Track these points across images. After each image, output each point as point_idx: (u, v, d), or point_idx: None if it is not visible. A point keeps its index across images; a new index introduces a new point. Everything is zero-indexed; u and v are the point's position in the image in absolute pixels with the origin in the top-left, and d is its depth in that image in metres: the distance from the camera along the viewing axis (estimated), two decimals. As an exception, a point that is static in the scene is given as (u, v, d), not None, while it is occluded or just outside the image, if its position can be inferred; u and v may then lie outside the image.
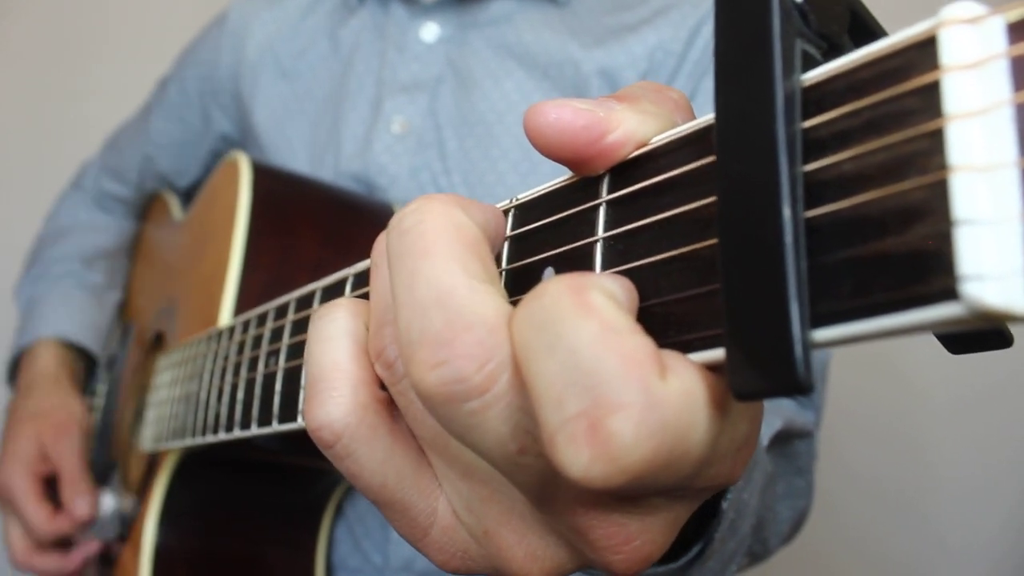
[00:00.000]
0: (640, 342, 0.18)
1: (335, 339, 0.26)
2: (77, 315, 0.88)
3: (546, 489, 0.21)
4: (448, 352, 0.19)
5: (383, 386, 0.26)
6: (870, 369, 1.19)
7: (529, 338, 0.18)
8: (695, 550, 0.33)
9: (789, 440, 0.54)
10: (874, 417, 1.22)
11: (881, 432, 1.23)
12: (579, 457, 0.17)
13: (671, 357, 0.19)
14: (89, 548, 0.74)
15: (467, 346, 0.19)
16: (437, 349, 0.20)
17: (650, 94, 0.23)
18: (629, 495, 0.21)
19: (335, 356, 0.25)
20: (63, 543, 0.76)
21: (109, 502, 0.72)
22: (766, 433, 0.46)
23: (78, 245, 0.94)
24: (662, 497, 0.22)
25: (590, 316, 0.18)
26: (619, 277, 0.21)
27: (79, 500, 0.73)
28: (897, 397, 1.22)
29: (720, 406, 0.19)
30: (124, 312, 0.95)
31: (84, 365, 0.89)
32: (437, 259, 0.20)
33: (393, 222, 0.22)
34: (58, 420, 0.79)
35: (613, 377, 0.17)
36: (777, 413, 0.50)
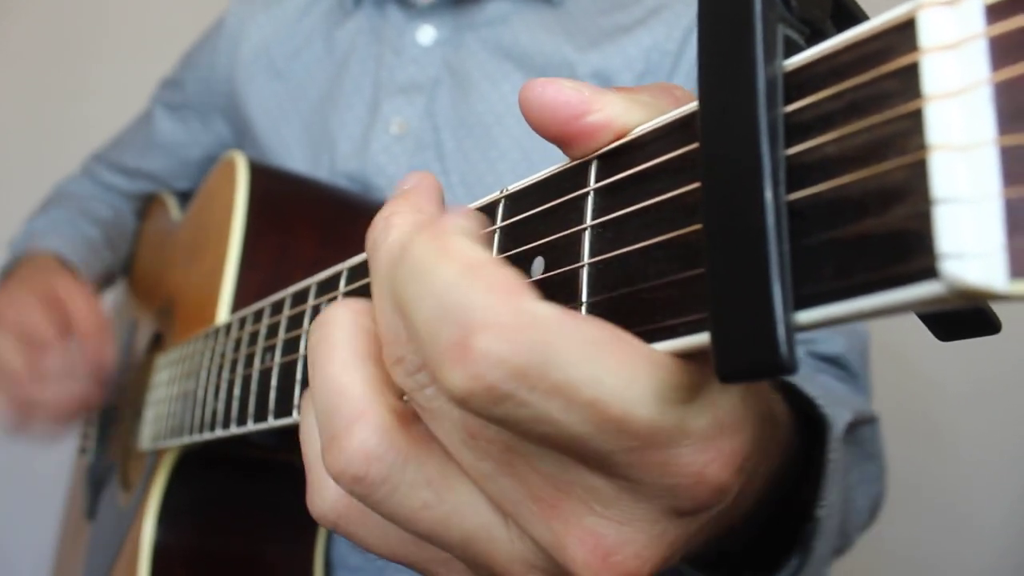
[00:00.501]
0: (503, 272, 0.19)
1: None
2: (74, 250, 0.86)
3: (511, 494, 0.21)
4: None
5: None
6: (883, 359, 1.19)
7: (402, 293, 0.20)
8: (794, 562, 0.31)
9: (856, 428, 0.53)
10: (888, 406, 1.22)
11: (895, 421, 1.23)
12: (455, 377, 0.18)
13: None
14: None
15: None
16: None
17: (651, 89, 0.24)
18: (537, 436, 0.19)
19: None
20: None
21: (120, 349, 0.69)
22: (839, 426, 0.44)
23: (82, 206, 0.94)
24: (628, 495, 0.20)
25: (451, 259, 0.19)
26: (474, 212, 0.24)
27: (103, 342, 0.71)
28: (911, 386, 1.22)
29: (692, 387, 0.19)
30: (125, 311, 0.96)
31: None
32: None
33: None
34: (68, 274, 0.77)
35: (479, 304, 0.18)
36: (844, 404, 0.48)
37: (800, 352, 0.63)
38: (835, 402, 0.41)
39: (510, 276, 0.19)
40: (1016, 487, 1.14)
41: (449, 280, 0.19)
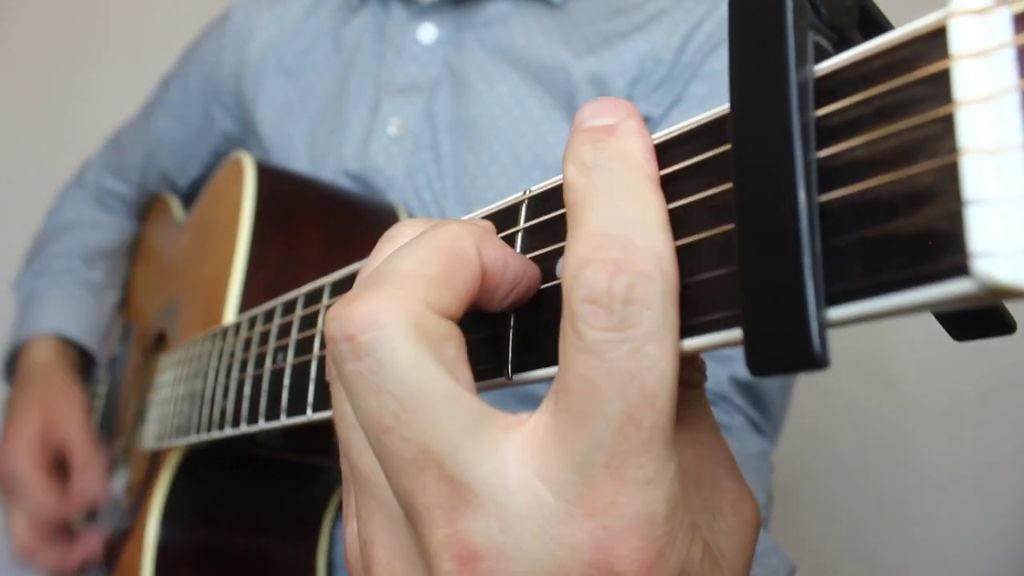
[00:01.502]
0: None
1: None
2: (76, 313, 0.88)
3: (408, 495, 0.21)
4: (341, 310, 0.22)
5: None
6: (864, 371, 1.20)
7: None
8: None
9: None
10: (868, 418, 1.23)
11: (875, 433, 1.24)
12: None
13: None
14: (92, 542, 0.72)
15: (356, 310, 0.21)
16: (339, 305, 0.22)
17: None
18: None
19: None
20: (66, 534, 0.74)
21: (119, 484, 0.71)
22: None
23: (79, 242, 0.94)
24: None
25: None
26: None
27: (92, 475, 0.71)
28: (891, 398, 1.23)
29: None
30: (125, 312, 0.95)
31: (82, 363, 0.89)
32: (409, 244, 0.23)
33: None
34: (60, 403, 0.78)
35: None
36: (780, 563, 0.47)
37: (722, 377, 0.63)
38: (770, 553, 0.40)
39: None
40: (1003, 502, 1.15)
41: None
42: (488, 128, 0.69)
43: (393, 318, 0.20)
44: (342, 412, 0.24)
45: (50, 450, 0.75)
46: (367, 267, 0.27)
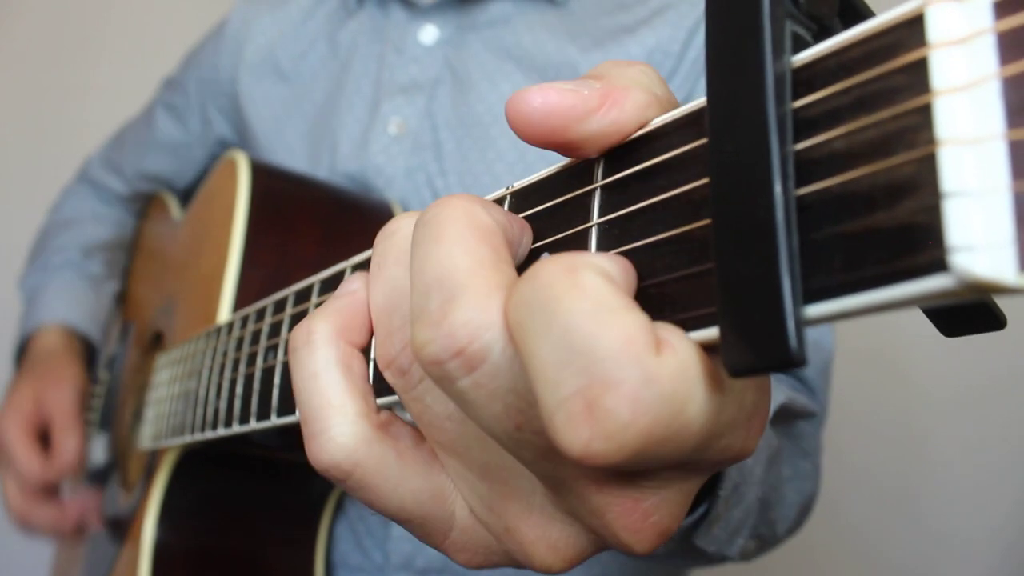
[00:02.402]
0: (634, 319, 0.18)
1: (321, 373, 0.25)
2: (76, 304, 0.91)
3: (556, 470, 0.22)
4: (435, 331, 0.20)
5: (379, 408, 0.26)
6: (870, 367, 1.19)
7: (524, 320, 0.19)
8: (700, 510, 0.33)
9: (792, 419, 0.54)
10: (874, 414, 1.23)
11: (881, 429, 1.23)
12: (578, 436, 0.18)
13: (667, 331, 0.19)
14: (83, 503, 0.76)
15: (453, 325, 0.20)
16: (428, 327, 0.20)
17: (615, 69, 0.23)
18: (634, 471, 0.21)
19: (326, 393, 0.25)
20: (55, 496, 0.78)
21: (100, 449, 0.74)
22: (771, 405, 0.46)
23: (79, 236, 0.96)
24: (674, 470, 0.21)
25: (583, 296, 0.18)
26: (615, 256, 0.21)
27: (67, 441, 0.75)
28: (897, 394, 1.22)
29: (718, 380, 0.19)
30: (123, 311, 0.96)
31: (85, 352, 0.91)
32: (444, 243, 0.21)
33: (420, 215, 0.23)
34: (53, 378, 0.81)
35: (607, 355, 0.17)
36: (778, 388, 0.50)
37: None
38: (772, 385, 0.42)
39: (641, 324, 0.18)
40: (1010, 496, 1.14)
41: (579, 319, 0.18)
42: (492, 126, 0.69)
43: (491, 318, 0.20)
44: (441, 424, 0.24)
45: (39, 420, 0.79)
46: (381, 273, 0.26)
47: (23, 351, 0.90)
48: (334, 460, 0.24)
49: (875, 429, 1.23)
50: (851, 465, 1.20)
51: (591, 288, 0.18)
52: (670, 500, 0.22)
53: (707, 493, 0.33)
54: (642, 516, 0.22)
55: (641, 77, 0.22)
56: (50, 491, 0.78)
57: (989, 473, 1.15)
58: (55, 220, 1.00)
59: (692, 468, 0.22)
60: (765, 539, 0.53)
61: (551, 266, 0.19)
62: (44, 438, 0.79)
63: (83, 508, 0.77)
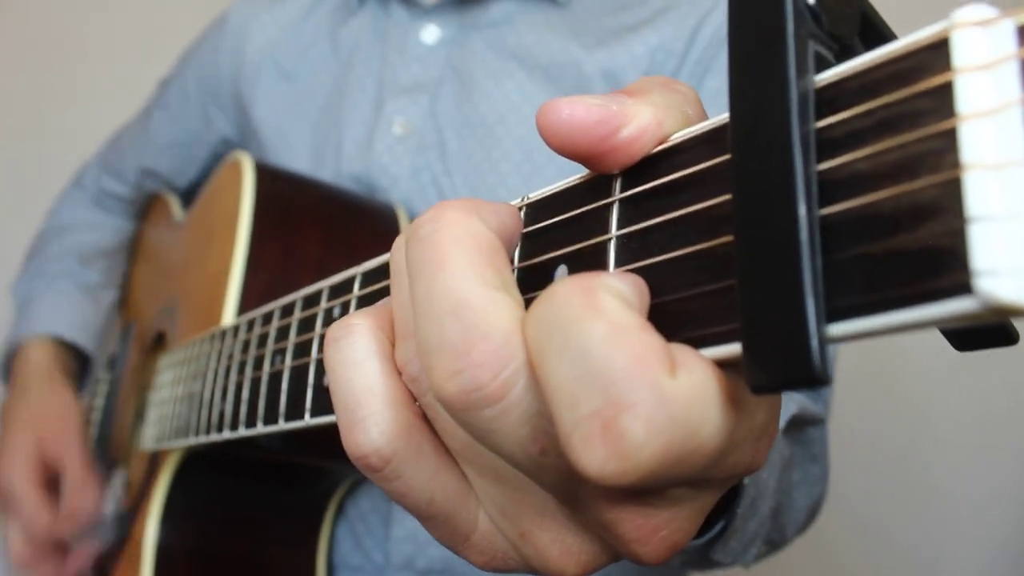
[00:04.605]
0: (649, 340, 0.18)
1: (363, 361, 0.25)
2: (71, 314, 0.88)
3: (572, 487, 0.22)
4: (465, 362, 0.20)
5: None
6: (880, 356, 1.19)
7: (541, 341, 0.19)
8: (718, 527, 0.33)
9: (803, 427, 0.55)
10: (885, 403, 1.23)
11: (891, 417, 1.23)
12: (594, 456, 0.18)
13: (682, 352, 0.19)
14: (83, 557, 0.73)
15: (483, 355, 0.20)
16: (455, 359, 0.20)
17: (658, 88, 0.23)
18: (649, 489, 0.21)
19: (367, 380, 0.25)
20: (60, 549, 0.75)
21: (111, 503, 0.71)
22: (782, 418, 0.47)
23: (76, 243, 0.94)
24: (685, 488, 0.22)
25: (599, 317, 0.18)
26: (629, 275, 0.21)
27: (85, 495, 0.72)
28: (908, 380, 1.23)
29: (733, 399, 0.19)
30: (124, 312, 0.95)
31: (78, 364, 0.89)
32: (452, 269, 0.21)
33: (411, 230, 0.23)
34: (56, 418, 0.78)
35: (623, 376, 0.18)
36: (790, 398, 0.50)
37: None
38: (783, 396, 0.42)
39: (656, 345, 0.18)
40: (1015, 482, 1.15)
41: (595, 341, 0.18)
42: (497, 125, 0.69)
43: (515, 344, 0.20)
44: (453, 432, 0.25)
45: (44, 465, 0.76)
46: (395, 280, 0.26)
47: (11, 365, 0.87)
48: (375, 446, 0.24)
49: (884, 417, 1.23)
50: (857, 460, 1.20)
51: (607, 310, 0.18)
52: (681, 516, 0.23)
53: (724, 509, 0.34)
54: (653, 531, 0.22)
55: (674, 97, 0.23)
56: (56, 543, 0.75)
57: (1002, 459, 1.15)
58: (51, 226, 0.98)
59: (703, 485, 0.22)
60: (775, 543, 0.53)
61: (567, 287, 0.19)
62: (50, 481, 0.75)
63: (81, 565, 0.73)
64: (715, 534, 0.34)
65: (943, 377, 1.18)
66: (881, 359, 1.22)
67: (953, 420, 1.20)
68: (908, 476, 1.22)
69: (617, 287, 0.19)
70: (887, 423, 1.24)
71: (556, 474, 0.22)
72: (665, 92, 0.23)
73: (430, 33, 0.75)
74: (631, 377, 0.18)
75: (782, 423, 0.47)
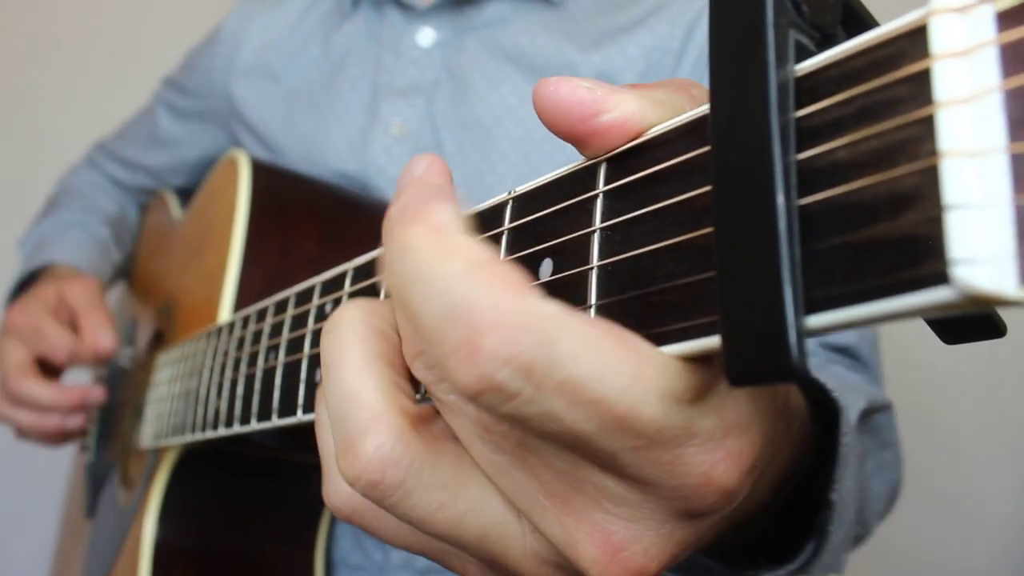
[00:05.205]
0: (507, 268, 0.19)
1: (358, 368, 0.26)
2: (87, 253, 0.88)
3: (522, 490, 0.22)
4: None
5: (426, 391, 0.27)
6: (886, 353, 1.19)
7: (405, 289, 0.20)
8: (810, 548, 0.31)
9: (870, 416, 0.54)
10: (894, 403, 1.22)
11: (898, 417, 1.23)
12: (463, 376, 0.19)
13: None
14: (99, 392, 0.72)
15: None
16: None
17: (669, 86, 0.24)
18: (575, 445, 0.20)
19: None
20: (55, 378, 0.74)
21: (125, 353, 0.71)
22: (853, 413, 0.43)
23: (88, 204, 0.95)
24: (644, 497, 0.21)
25: (453, 257, 0.19)
26: (451, 205, 0.22)
27: (104, 332, 0.72)
28: (914, 380, 1.22)
29: (699, 387, 0.19)
30: (125, 311, 0.96)
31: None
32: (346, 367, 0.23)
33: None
34: (80, 283, 0.78)
35: (484, 302, 0.18)
36: (857, 393, 0.49)
37: (812, 343, 0.63)
38: (848, 391, 0.41)
39: (513, 273, 0.19)
40: (1019, 482, 1.14)
41: (453, 279, 0.19)
42: (494, 127, 0.69)
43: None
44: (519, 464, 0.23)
45: (65, 312, 0.75)
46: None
47: (25, 286, 0.84)
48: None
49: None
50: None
51: (458, 248, 0.20)
52: (642, 539, 0.21)
53: (808, 531, 0.32)
54: (611, 551, 0.21)
55: (680, 97, 0.23)
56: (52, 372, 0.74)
57: (1005, 459, 1.15)
58: (65, 188, 0.98)
59: (653, 494, 0.21)
60: (859, 537, 0.53)
61: (419, 237, 0.21)
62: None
63: (84, 400, 0.72)
64: (810, 555, 0.31)
65: (953, 381, 1.17)
66: (886, 359, 1.21)
67: (961, 423, 1.19)
68: (914, 479, 1.21)
69: (458, 224, 0.21)
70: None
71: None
72: (672, 91, 0.23)
73: (426, 36, 0.75)
74: (492, 302, 0.18)
75: (854, 418, 0.43)
